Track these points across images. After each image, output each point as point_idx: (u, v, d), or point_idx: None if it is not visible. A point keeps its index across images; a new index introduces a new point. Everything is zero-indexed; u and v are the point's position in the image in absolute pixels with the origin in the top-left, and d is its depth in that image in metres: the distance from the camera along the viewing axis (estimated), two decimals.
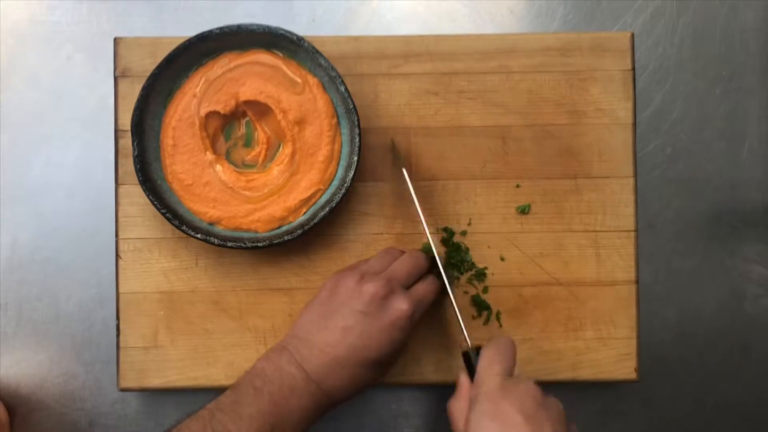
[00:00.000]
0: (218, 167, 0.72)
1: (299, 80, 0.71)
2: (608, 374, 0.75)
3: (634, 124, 0.75)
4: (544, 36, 0.76)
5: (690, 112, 0.81)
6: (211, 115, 0.72)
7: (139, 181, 0.70)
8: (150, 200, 0.70)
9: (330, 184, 0.72)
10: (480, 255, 0.75)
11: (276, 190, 0.71)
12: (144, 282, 0.74)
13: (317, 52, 0.70)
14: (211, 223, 0.72)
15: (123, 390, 0.74)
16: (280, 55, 0.72)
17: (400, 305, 0.64)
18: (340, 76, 0.70)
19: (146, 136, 0.71)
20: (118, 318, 0.74)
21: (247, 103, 0.72)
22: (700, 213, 0.81)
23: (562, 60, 0.75)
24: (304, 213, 0.72)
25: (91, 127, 0.79)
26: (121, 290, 0.74)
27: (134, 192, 0.74)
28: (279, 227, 0.72)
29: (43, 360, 0.79)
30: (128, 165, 0.74)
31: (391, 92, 0.75)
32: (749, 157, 0.81)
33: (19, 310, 0.78)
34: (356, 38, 0.75)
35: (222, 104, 0.71)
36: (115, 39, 0.74)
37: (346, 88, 0.70)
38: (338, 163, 0.72)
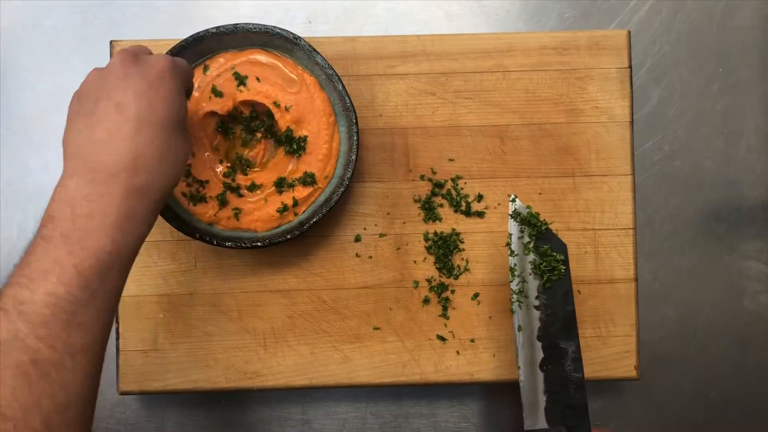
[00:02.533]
0: (216, 167, 0.72)
1: (296, 79, 0.71)
2: (608, 372, 0.75)
3: (632, 122, 0.75)
4: (541, 35, 0.76)
5: (687, 110, 0.81)
6: (208, 115, 0.72)
7: None
8: None
9: (328, 183, 0.72)
10: (479, 255, 0.75)
11: (275, 189, 0.71)
12: (143, 285, 0.74)
13: (314, 50, 0.70)
14: (209, 223, 0.72)
15: (123, 393, 0.74)
16: (277, 54, 0.72)
17: (156, 59, 0.56)
18: (336, 74, 0.70)
19: None
20: (117, 321, 0.74)
21: (245, 102, 0.72)
22: (698, 210, 0.81)
23: (558, 59, 0.75)
24: (303, 212, 0.71)
25: None
26: None
27: None
28: (278, 226, 0.71)
29: None
30: None
31: (388, 92, 0.75)
32: (747, 153, 0.81)
33: None
34: (353, 39, 0.75)
35: (219, 104, 0.71)
36: (111, 42, 0.74)
37: (343, 86, 0.70)
38: (336, 162, 0.71)
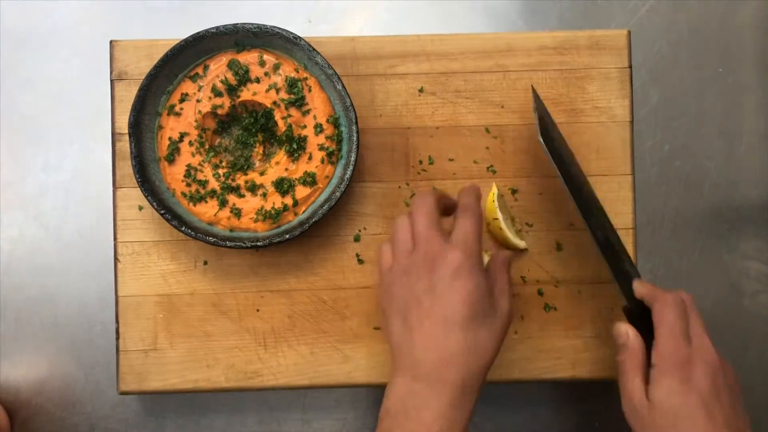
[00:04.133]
0: (216, 167, 0.72)
1: (296, 79, 0.71)
2: (608, 372, 0.75)
3: (632, 122, 0.75)
4: (541, 35, 0.76)
5: (687, 109, 0.81)
6: (208, 115, 0.72)
7: (138, 182, 0.70)
8: (148, 201, 0.70)
9: (328, 183, 0.72)
10: None
11: (275, 189, 0.71)
12: (143, 285, 0.74)
13: (313, 50, 0.70)
14: (210, 223, 0.72)
15: (123, 393, 0.74)
16: (277, 54, 0.72)
17: (452, 253, 0.60)
18: (336, 74, 0.70)
19: (144, 137, 0.71)
20: (117, 321, 0.74)
21: (245, 103, 0.72)
22: (698, 210, 0.81)
23: (558, 59, 0.75)
24: (304, 211, 0.71)
25: (88, 130, 0.79)
26: (120, 293, 0.74)
27: (132, 195, 0.74)
28: (278, 226, 0.71)
29: (43, 364, 0.79)
30: (126, 168, 0.74)
31: (388, 92, 0.75)
32: (747, 153, 0.81)
33: (18, 315, 0.78)
34: (353, 39, 0.75)
35: (219, 105, 0.72)
36: (111, 42, 0.74)
37: (343, 86, 0.70)
38: (337, 161, 0.72)
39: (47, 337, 0.78)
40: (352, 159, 0.70)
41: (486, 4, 0.81)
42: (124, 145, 0.74)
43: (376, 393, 0.79)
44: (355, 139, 0.70)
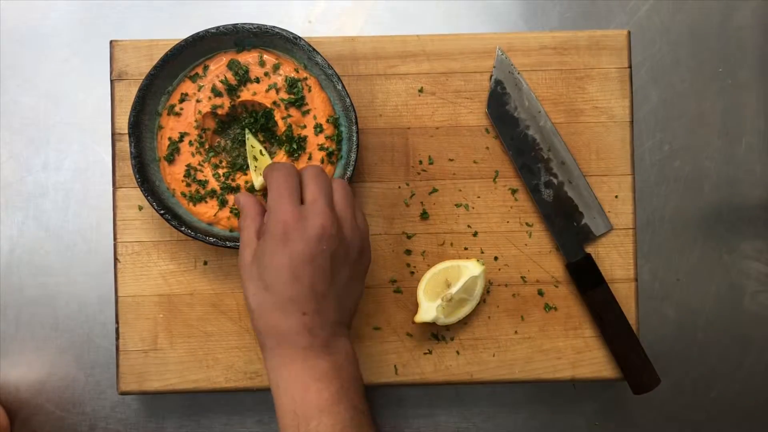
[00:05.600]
0: (216, 167, 0.72)
1: (296, 79, 0.71)
2: (608, 372, 0.75)
3: (632, 122, 0.75)
4: (540, 35, 0.76)
5: (687, 110, 0.81)
6: (208, 115, 0.72)
7: (137, 182, 0.70)
8: (148, 201, 0.70)
9: None
10: (479, 255, 0.75)
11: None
12: (143, 285, 0.74)
13: (313, 50, 0.70)
14: (210, 224, 0.72)
15: (123, 393, 0.74)
16: (277, 54, 0.72)
17: (315, 217, 0.60)
18: (336, 74, 0.70)
19: (144, 137, 0.71)
20: (117, 321, 0.74)
21: (244, 103, 0.72)
22: (698, 210, 0.81)
23: (558, 59, 0.75)
24: None
25: (88, 130, 0.79)
26: (119, 293, 0.74)
27: (132, 195, 0.74)
28: None
29: (43, 364, 0.79)
30: (126, 168, 0.74)
31: (388, 92, 0.75)
32: (747, 153, 0.81)
33: (18, 315, 0.78)
34: (353, 39, 0.75)
35: (219, 105, 0.72)
36: (111, 42, 0.74)
37: (343, 86, 0.70)
38: (337, 161, 0.71)
39: (47, 337, 0.78)
40: (352, 159, 0.70)
41: (486, 4, 0.81)
42: (124, 145, 0.74)
43: (375, 393, 0.79)
44: (355, 139, 0.70)
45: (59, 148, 0.79)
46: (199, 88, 0.71)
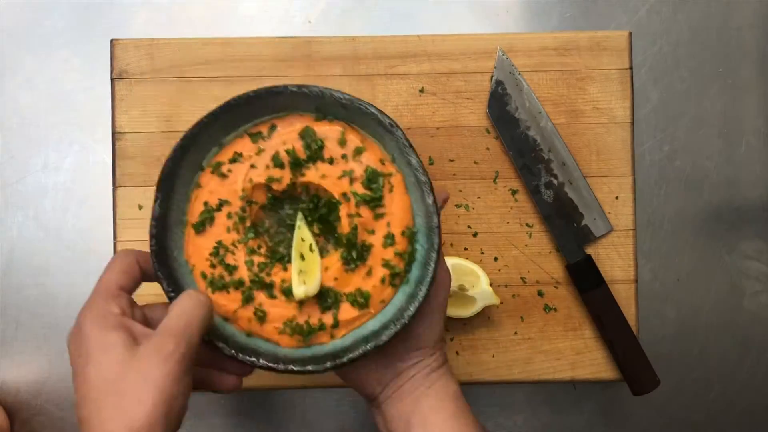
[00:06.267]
0: (252, 253, 0.58)
1: (380, 173, 0.57)
2: (608, 373, 0.75)
3: (632, 124, 0.75)
4: (541, 35, 0.76)
5: (687, 110, 0.81)
6: (260, 187, 0.58)
7: (151, 248, 0.56)
8: (156, 274, 0.56)
9: (382, 310, 0.57)
10: (479, 255, 0.75)
11: (315, 301, 0.57)
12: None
13: (409, 145, 0.56)
14: (225, 319, 0.57)
15: None
16: (362, 134, 0.58)
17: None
18: (430, 183, 0.56)
19: (175, 192, 0.57)
20: None
21: (308, 184, 0.58)
22: (698, 210, 0.81)
23: (559, 59, 0.75)
24: (343, 336, 0.57)
25: (88, 130, 0.79)
26: None
27: (132, 194, 0.74)
28: (307, 346, 0.57)
29: (43, 364, 0.78)
30: (126, 167, 0.73)
31: (388, 92, 0.75)
32: (747, 153, 0.81)
33: (18, 315, 0.78)
34: (353, 38, 0.75)
35: (277, 178, 0.57)
36: (111, 41, 0.74)
37: (434, 200, 0.56)
38: (399, 285, 0.57)
39: (47, 338, 0.78)
40: (421, 293, 0.55)
41: (487, 4, 0.81)
42: (124, 144, 0.73)
43: None
44: (431, 269, 0.55)
45: (59, 147, 0.79)
46: (258, 152, 0.58)
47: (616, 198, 0.75)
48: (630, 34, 0.75)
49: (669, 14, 0.82)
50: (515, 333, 0.75)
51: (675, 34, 0.82)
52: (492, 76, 0.74)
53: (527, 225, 0.75)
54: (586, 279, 0.73)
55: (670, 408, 0.81)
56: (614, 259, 0.75)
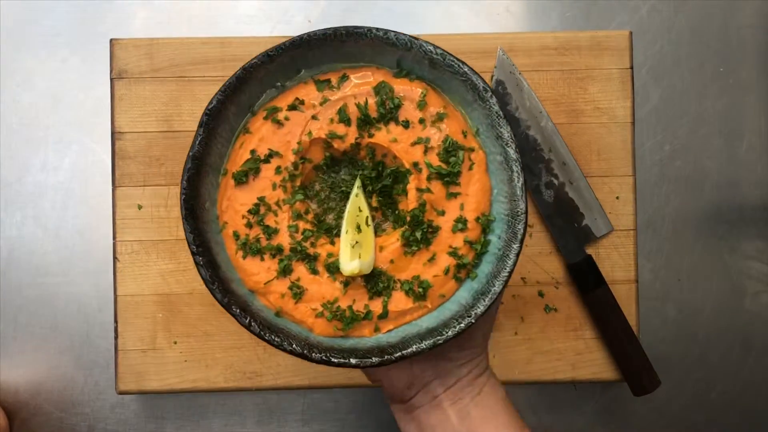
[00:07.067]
0: (299, 217, 0.51)
1: (462, 147, 0.50)
2: (608, 374, 0.74)
3: (633, 123, 0.75)
4: (542, 35, 0.75)
5: (688, 110, 0.81)
6: (319, 142, 0.51)
7: (182, 189, 0.49)
8: (184, 225, 0.49)
9: (440, 305, 0.51)
10: None
11: (364, 283, 0.50)
12: (142, 284, 0.74)
13: (502, 116, 0.50)
14: (252, 291, 0.51)
15: (121, 393, 0.74)
16: (447, 99, 0.52)
17: None
18: (520, 163, 0.49)
19: (218, 134, 0.50)
20: (116, 321, 0.74)
21: (374, 146, 0.51)
22: (699, 210, 0.81)
23: (559, 59, 0.75)
24: (389, 331, 0.51)
25: (87, 129, 0.79)
26: (118, 293, 0.74)
27: (131, 194, 0.74)
28: (344, 336, 0.50)
29: (42, 364, 0.78)
30: (125, 167, 0.73)
31: None
32: (748, 153, 0.81)
33: (17, 315, 0.78)
34: None
35: (340, 135, 0.50)
36: (111, 40, 0.74)
37: (524, 184, 0.49)
38: (464, 279, 0.51)
39: (46, 338, 0.78)
40: (494, 291, 0.49)
41: (487, 3, 0.81)
42: (124, 143, 0.73)
43: (375, 394, 0.79)
44: (510, 263, 0.49)
45: (58, 147, 0.79)
46: (323, 102, 0.51)
47: (617, 198, 0.75)
48: (631, 33, 0.75)
49: (670, 14, 0.82)
50: (515, 333, 0.75)
51: (676, 33, 0.82)
52: (492, 76, 0.74)
53: (528, 225, 0.75)
54: (586, 279, 0.73)
55: (670, 408, 0.80)
56: (615, 260, 0.75)
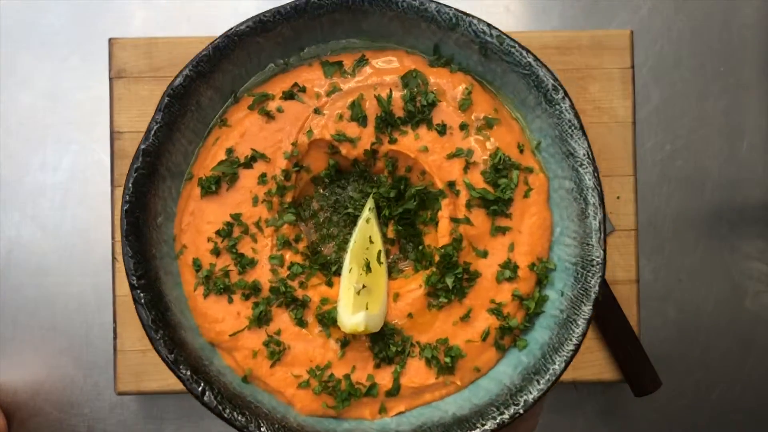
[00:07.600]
0: (285, 244, 0.38)
1: (516, 165, 0.37)
2: (609, 374, 0.74)
3: (634, 123, 0.75)
4: (542, 34, 0.75)
5: (689, 109, 0.81)
6: (322, 145, 0.38)
7: (125, 199, 0.38)
8: (124, 250, 0.37)
9: (473, 383, 0.37)
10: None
11: (368, 345, 0.37)
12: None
13: (578, 127, 0.36)
14: (212, 344, 0.39)
15: (120, 394, 0.73)
16: (502, 97, 0.39)
17: None
18: (601, 193, 0.36)
19: (182, 122, 0.36)
20: (114, 321, 0.73)
21: (396, 155, 0.38)
22: (700, 210, 0.81)
23: (560, 58, 0.75)
24: (398, 414, 0.37)
25: (86, 129, 0.79)
26: (117, 293, 0.73)
27: None
28: (336, 417, 0.37)
29: (41, 365, 0.78)
30: (124, 167, 0.73)
31: None
32: (748, 153, 0.81)
33: (16, 315, 0.78)
34: None
35: (352, 139, 0.37)
36: (109, 40, 0.74)
37: (602, 220, 0.36)
38: (509, 348, 0.37)
39: (45, 338, 0.78)
40: (552, 372, 0.36)
41: (487, 3, 0.81)
42: (123, 143, 0.73)
43: None
44: (576, 336, 0.36)
45: (57, 147, 0.79)
46: (331, 91, 0.39)
47: (618, 198, 0.75)
48: (632, 33, 0.75)
49: (670, 13, 0.81)
50: None
51: (676, 33, 0.81)
52: None
53: None
54: None
55: (671, 409, 0.80)
56: (616, 260, 0.74)
